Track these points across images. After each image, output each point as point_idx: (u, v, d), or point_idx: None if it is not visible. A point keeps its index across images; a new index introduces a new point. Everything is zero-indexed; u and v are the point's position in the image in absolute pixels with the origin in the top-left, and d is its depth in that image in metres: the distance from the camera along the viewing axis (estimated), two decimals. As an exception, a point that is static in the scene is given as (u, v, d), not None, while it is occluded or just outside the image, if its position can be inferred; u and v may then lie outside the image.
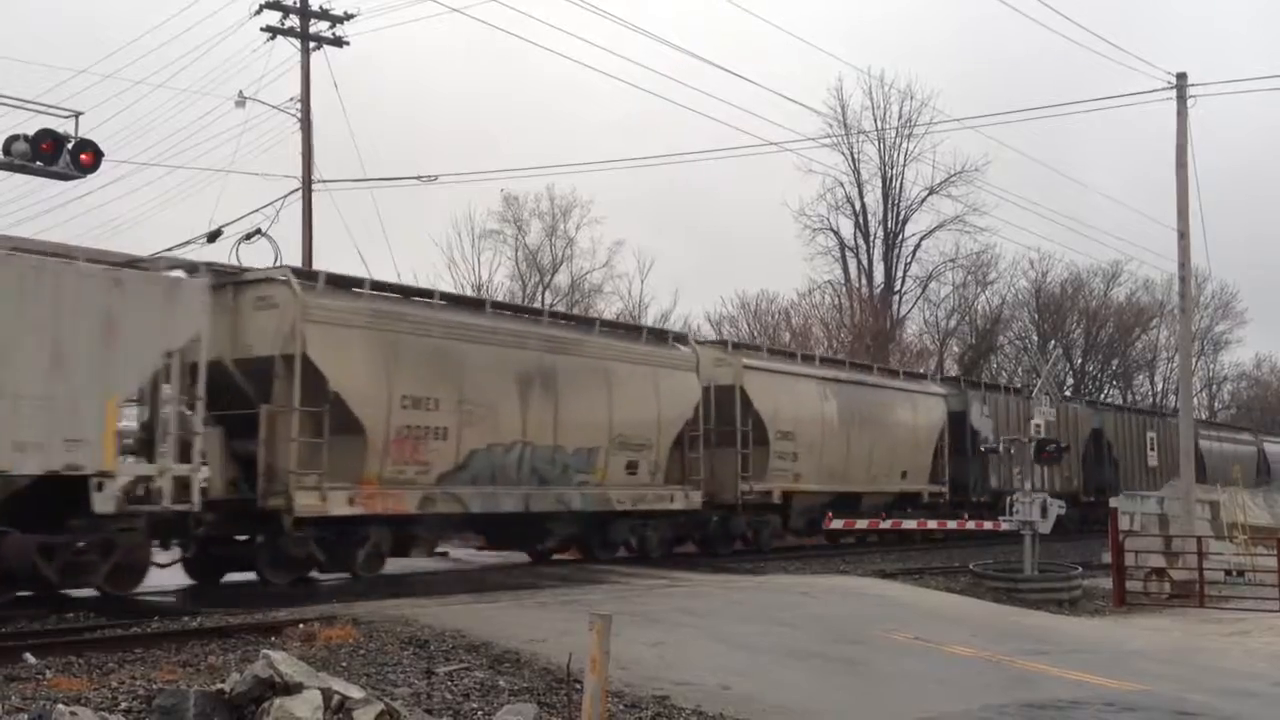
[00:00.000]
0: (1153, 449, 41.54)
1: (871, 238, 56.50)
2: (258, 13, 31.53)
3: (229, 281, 17.83)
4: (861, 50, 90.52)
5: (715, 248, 77.92)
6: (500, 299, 39.41)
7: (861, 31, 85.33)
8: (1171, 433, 37.50)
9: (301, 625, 12.69)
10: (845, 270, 56.75)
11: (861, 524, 28.77)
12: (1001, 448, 26.24)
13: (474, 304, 23.06)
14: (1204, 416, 58.92)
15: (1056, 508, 22.22)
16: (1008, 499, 23.40)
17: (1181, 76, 26.42)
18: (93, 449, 14.27)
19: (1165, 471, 38.25)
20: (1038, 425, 23.82)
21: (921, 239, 57.01)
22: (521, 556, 23.01)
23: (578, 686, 8.62)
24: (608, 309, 51.25)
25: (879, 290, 56.05)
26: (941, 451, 31.47)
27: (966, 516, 31.61)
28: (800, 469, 26.63)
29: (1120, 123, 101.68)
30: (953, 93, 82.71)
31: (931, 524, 30.45)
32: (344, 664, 10.85)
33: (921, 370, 38.66)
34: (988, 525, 29.99)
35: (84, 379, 14.27)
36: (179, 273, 16.53)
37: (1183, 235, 26.57)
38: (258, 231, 26.69)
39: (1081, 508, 35.82)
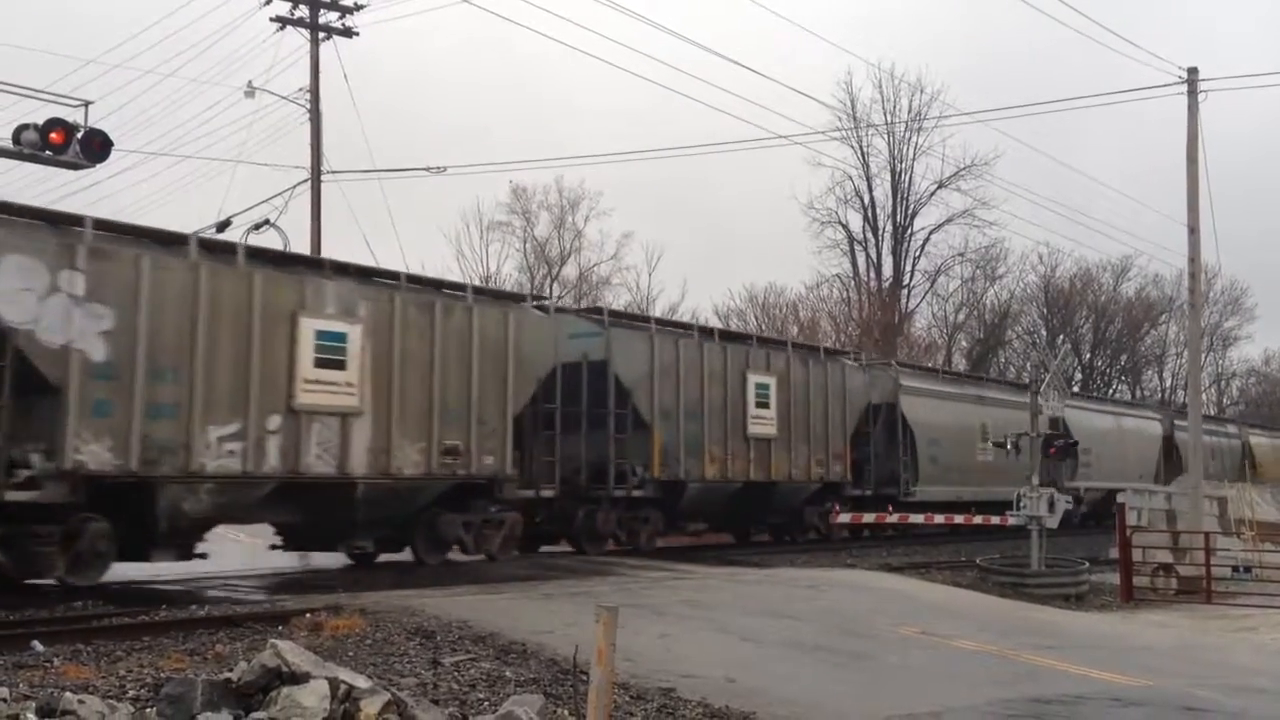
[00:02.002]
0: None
1: (880, 231, 56.49)
2: (267, 2, 31.53)
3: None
4: (871, 43, 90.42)
5: (723, 241, 77.91)
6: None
7: (871, 24, 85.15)
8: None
9: (309, 615, 12.71)
10: (854, 264, 56.77)
11: (869, 518, 28.56)
12: (1009, 443, 25.93)
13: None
14: (1212, 412, 58.73)
15: (1064, 503, 22.20)
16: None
17: (1193, 71, 26.34)
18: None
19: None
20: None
21: (930, 233, 57.02)
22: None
23: (584, 678, 8.63)
24: (616, 301, 51.28)
25: (887, 284, 56.00)
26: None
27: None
28: None
29: (1129, 117, 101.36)
30: (961, 86, 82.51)
31: (938, 518, 30.36)
32: (351, 654, 10.87)
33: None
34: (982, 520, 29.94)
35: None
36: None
37: (1193, 230, 26.51)
38: (266, 221, 26.77)
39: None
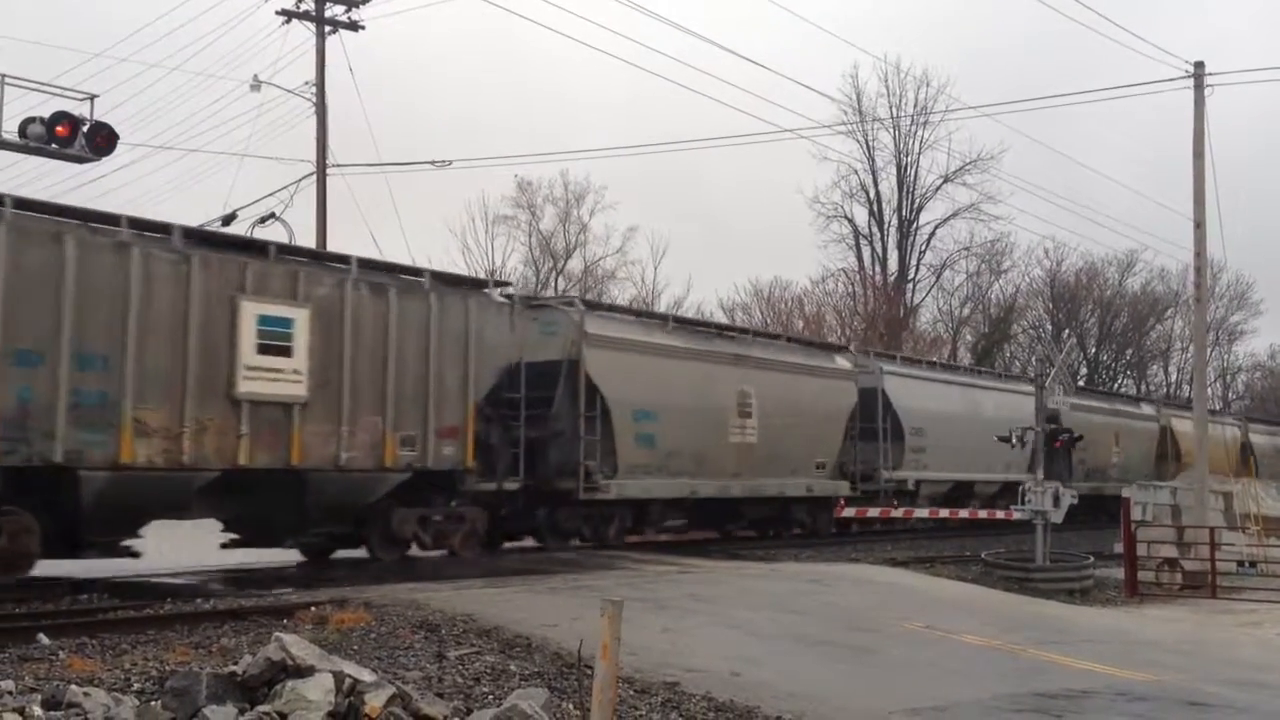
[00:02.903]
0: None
1: (886, 225, 56.48)
2: (272, -4, 31.54)
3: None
4: (877, 38, 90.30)
5: (729, 235, 77.88)
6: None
7: (877, 19, 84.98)
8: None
9: (314, 608, 12.74)
10: (859, 258, 56.75)
11: (873, 513, 28.53)
12: (1013, 437, 25.82)
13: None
14: (1218, 408, 58.35)
15: (1070, 497, 22.20)
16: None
17: (1199, 65, 26.25)
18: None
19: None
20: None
21: (936, 227, 57.06)
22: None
23: (589, 672, 8.63)
24: (621, 296, 51.26)
25: (893, 278, 55.98)
26: None
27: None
28: None
29: (1135, 111, 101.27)
30: (967, 81, 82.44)
31: (943, 513, 30.36)
32: (356, 647, 10.88)
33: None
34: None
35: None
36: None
37: (1199, 225, 26.43)
38: (271, 215, 26.79)
39: None
